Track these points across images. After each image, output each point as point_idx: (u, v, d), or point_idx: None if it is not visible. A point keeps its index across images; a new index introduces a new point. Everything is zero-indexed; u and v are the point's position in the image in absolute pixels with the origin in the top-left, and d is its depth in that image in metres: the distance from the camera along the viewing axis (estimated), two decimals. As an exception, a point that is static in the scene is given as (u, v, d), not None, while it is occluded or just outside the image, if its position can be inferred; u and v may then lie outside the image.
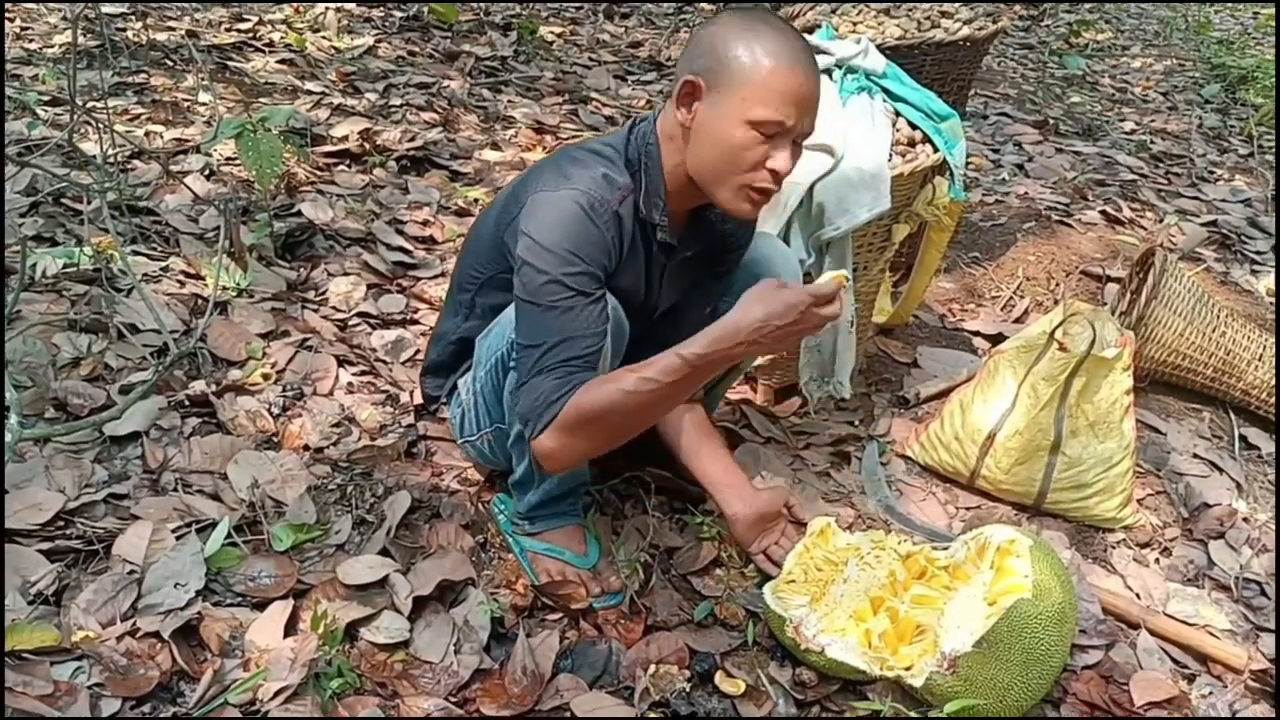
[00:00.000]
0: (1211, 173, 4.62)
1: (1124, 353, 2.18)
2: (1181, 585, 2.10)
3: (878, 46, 2.51)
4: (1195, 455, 2.52)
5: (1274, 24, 6.64)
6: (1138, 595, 2.06)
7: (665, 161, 1.65)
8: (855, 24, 2.95)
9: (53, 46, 3.73)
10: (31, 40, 3.78)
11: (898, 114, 2.38)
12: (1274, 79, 5.69)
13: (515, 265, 1.60)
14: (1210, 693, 1.84)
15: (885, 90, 2.39)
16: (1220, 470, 2.48)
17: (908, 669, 1.64)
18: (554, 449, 1.56)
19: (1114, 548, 2.19)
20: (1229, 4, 8.40)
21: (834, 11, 3.10)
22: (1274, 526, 2.31)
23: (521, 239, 1.58)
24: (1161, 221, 3.82)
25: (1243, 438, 2.63)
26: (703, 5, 6.36)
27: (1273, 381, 2.61)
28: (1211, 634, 1.97)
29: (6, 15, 4.05)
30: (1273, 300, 3.26)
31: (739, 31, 1.55)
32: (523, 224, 1.59)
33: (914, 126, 2.38)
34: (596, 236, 1.58)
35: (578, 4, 5.99)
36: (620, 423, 1.57)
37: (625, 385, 1.53)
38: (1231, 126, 5.46)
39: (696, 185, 1.64)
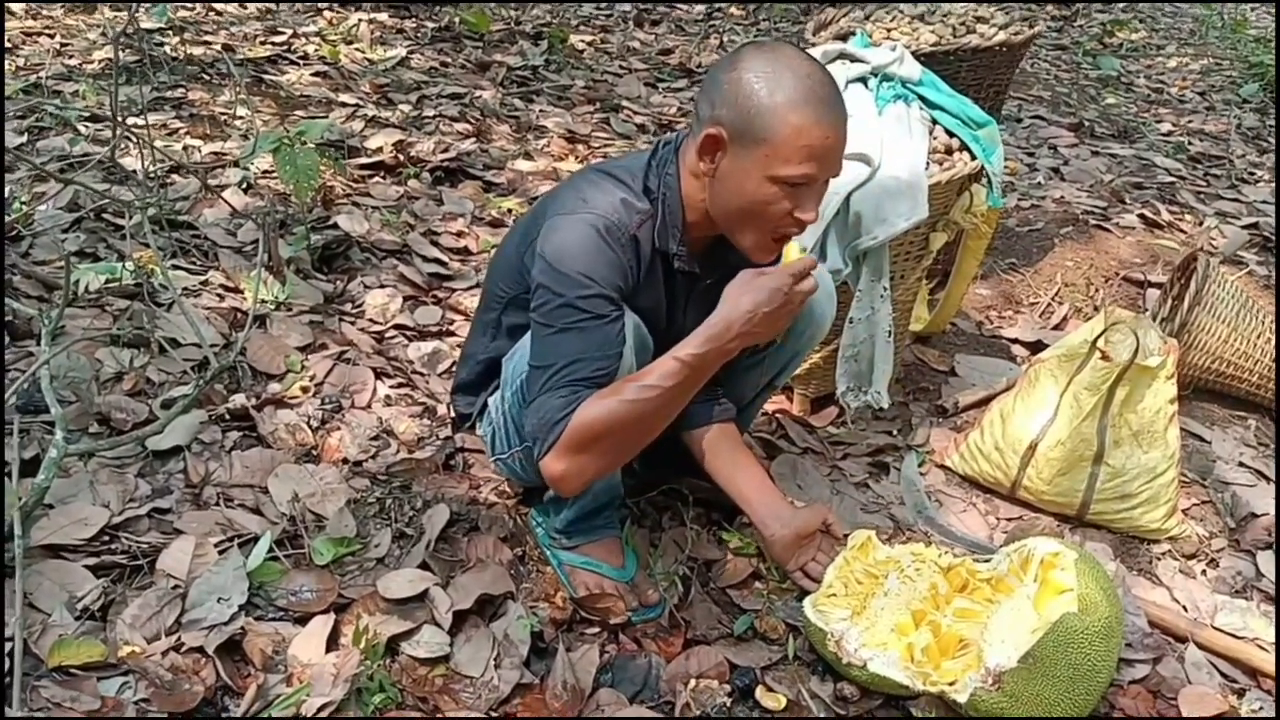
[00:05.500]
0: (1252, 174, 4.54)
1: (1168, 361, 2.15)
2: (1229, 597, 2.06)
3: (913, 53, 2.49)
4: (1241, 464, 2.48)
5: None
6: (1185, 608, 2.02)
7: (686, 194, 1.64)
8: (890, 31, 2.93)
9: (92, 63, 3.79)
10: (71, 57, 3.84)
11: (934, 121, 2.36)
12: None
13: (532, 287, 1.60)
14: (1260, 707, 1.81)
15: (921, 98, 2.37)
16: (1267, 479, 2.43)
17: (951, 684, 1.62)
18: (563, 470, 1.56)
19: (1159, 559, 2.16)
20: (1263, 2, 8.26)
21: (868, 18, 3.08)
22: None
23: (538, 261, 1.59)
24: (1201, 225, 3.76)
25: (1289, 445, 2.59)
26: (732, 11, 6.36)
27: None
28: (1261, 647, 1.93)
29: (47, 32, 4.12)
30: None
31: (761, 78, 1.50)
32: (540, 246, 1.60)
33: (950, 134, 2.36)
34: (612, 259, 1.57)
35: (608, 11, 6.00)
36: (626, 434, 1.57)
37: (626, 395, 1.53)
38: (1271, 126, 5.36)
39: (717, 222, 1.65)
